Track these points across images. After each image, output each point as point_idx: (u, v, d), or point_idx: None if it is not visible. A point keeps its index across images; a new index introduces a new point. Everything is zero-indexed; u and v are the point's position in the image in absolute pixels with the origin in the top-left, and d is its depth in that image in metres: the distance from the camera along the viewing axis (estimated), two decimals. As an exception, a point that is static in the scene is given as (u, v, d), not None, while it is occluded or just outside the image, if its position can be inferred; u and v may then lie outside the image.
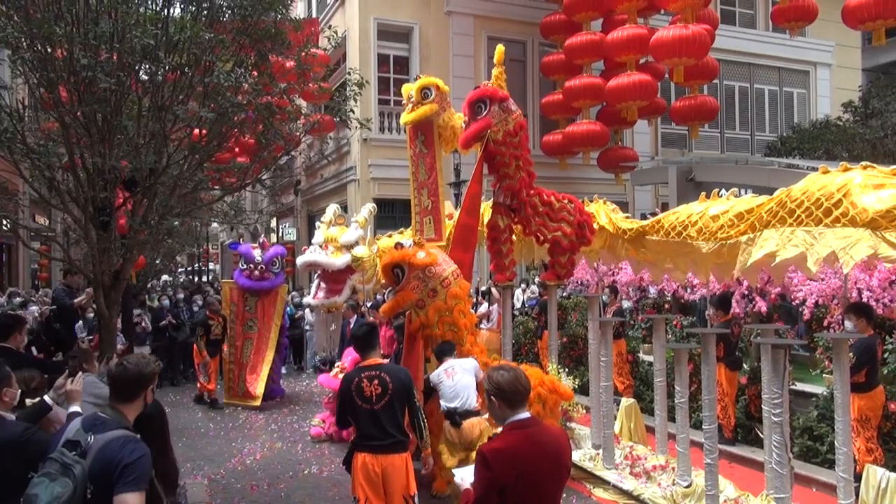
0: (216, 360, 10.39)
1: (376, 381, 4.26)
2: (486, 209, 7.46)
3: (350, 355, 8.68)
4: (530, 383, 2.88)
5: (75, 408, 3.63)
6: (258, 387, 9.70)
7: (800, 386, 7.53)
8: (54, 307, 9.61)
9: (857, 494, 4.98)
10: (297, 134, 9.04)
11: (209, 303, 11.35)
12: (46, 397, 3.78)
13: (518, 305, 14.09)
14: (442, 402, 5.12)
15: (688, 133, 20.44)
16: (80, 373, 3.81)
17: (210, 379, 10.24)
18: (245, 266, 10.15)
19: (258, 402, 9.81)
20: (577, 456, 6.86)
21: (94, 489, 2.54)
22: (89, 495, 2.54)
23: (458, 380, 5.15)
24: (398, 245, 5.71)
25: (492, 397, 2.85)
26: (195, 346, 10.48)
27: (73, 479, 2.53)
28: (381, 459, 4.20)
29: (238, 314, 10.12)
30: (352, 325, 10.41)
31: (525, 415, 2.81)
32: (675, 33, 13.55)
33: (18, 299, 11.74)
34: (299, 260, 9.63)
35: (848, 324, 5.85)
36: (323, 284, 9.36)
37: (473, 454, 4.95)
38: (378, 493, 4.17)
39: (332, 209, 9.42)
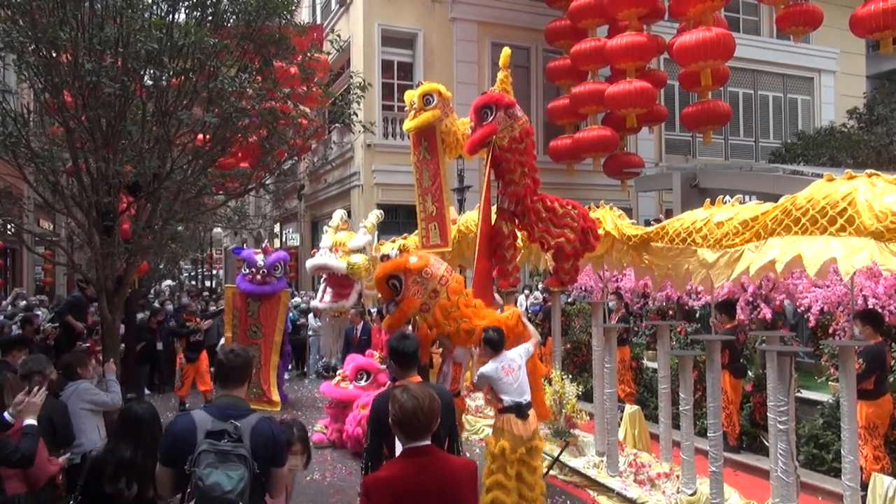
0: (194, 366, 10.29)
1: None
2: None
3: (352, 362, 8.63)
4: (433, 416, 2.67)
5: (30, 420, 3.73)
6: (274, 392, 9.73)
7: (805, 393, 7.49)
8: (58, 309, 9.67)
9: (863, 503, 4.94)
10: (302, 140, 9.05)
11: (185, 304, 11.36)
12: (6, 414, 3.85)
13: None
14: (505, 397, 5.01)
15: (692, 139, 20.47)
16: (39, 388, 3.90)
17: (183, 384, 10.24)
18: (247, 270, 10.15)
19: (279, 408, 9.80)
20: (580, 463, 6.83)
21: (257, 465, 2.87)
22: (257, 470, 2.87)
23: (519, 376, 5.07)
24: (384, 257, 5.61)
25: (391, 421, 2.69)
26: (180, 351, 10.64)
27: (243, 461, 2.82)
28: None
29: (241, 319, 10.12)
30: (358, 332, 10.41)
31: (423, 443, 2.65)
32: (699, 37, 13.38)
33: (24, 302, 11.82)
34: (309, 263, 9.61)
35: (856, 331, 5.81)
36: (329, 289, 9.34)
37: (536, 443, 4.97)
38: None
39: (339, 214, 9.43)
